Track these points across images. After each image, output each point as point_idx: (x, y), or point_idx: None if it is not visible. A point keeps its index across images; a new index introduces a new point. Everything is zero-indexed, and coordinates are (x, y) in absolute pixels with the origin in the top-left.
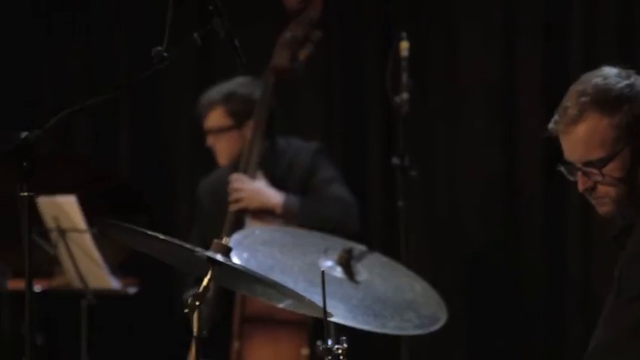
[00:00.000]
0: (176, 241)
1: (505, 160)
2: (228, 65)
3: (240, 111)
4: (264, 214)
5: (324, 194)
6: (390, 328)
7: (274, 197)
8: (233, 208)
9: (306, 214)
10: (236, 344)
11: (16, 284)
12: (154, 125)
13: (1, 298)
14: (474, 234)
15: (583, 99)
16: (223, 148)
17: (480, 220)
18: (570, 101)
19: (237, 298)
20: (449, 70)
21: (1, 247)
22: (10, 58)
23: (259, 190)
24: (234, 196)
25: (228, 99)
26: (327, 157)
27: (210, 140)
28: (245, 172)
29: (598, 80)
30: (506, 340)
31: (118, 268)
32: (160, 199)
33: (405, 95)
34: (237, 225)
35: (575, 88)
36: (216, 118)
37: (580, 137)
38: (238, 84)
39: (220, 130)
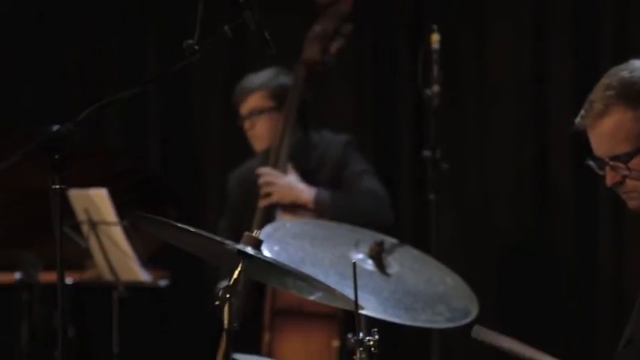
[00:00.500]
0: (206, 233)
1: (536, 152)
2: (259, 57)
3: (280, 94)
4: (295, 207)
5: (355, 187)
6: (421, 321)
7: (306, 192)
8: (263, 203)
9: (338, 208)
10: (267, 337)
11: (47, 277)
12: (184, 118)
13: (33, 291)
14: (505, 227)
15: (608, 93)
16: (262, 131)
17: (511, 212)
18: (596, 95)
19: (268, 291)
20: (480, 62)
21: (32, 240)
22: (40, 51)
23: (290, 185)
24: (264, 190)
25: (269, 83)
26: (359, 149)
27: (248, 124)
28: (275, 164)
29: (624, 74)
30: (538, 333)
31: (148, 260)
32: (190, 191)
33: (435, 88)
34: (268, 218)
35: (602, 82)
36: (256, 100)
37: (606, 131)
38: (275, 72)
39: (261, 112)
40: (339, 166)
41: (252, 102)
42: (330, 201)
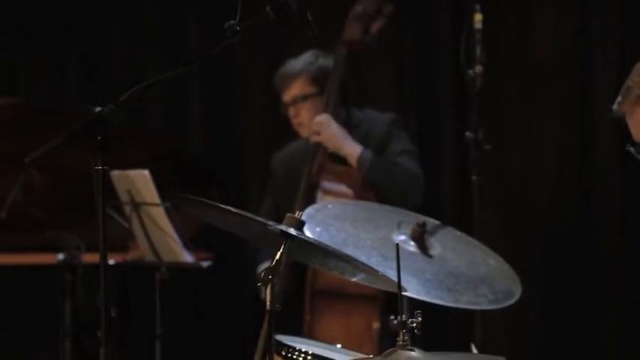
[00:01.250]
0: (248, 214)
1: (580, 133)
2: (300, 38)
3: (322, 78)
4: (335, 185)
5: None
6: (463, 302)
7: (352, 146)
8: (312, 140)
9: (377, 172)
10: (307, 318)
11: (90, 258)
12: (226, 99)
13: (76, 272)
14: (547, 208)
15: None
16: (307, 118)
17: (554, 194)
18: (633, 80)
19: (308, 272)
20: (523, 42)
21: (76, 222)
22: (82, 33)
23: (341, 134)
24: (315, 128)
25: (310, 68)
26: (403, 128)
27: (292, 112)
28: None
29: None
30: (580, 316)
31: (190, 241)
32: (232, 172)
33: (478, 68)
34: (309, 200)
35: (638, 66)
36: (299, 86)
37: None
38: (315, 56)
39: (304, 98)
40: (383, 144)
41: (294, 89)
42: (371, 162)
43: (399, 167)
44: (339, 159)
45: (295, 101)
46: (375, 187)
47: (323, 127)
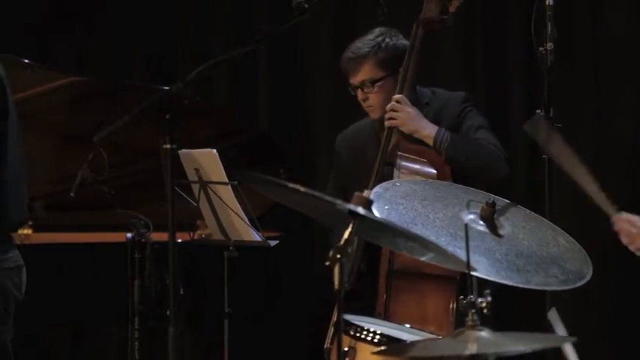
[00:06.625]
0: (316, 193)
1: None
2: (367, 16)
3: (390, 59)
4: (412, 164)
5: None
6: (533, 283)
7: (428, 127)
8: (387, 124)
9: (456, 149)
10: (382, 297)
11: (159, 236)
12: (293, 77)
13: (144, 250)
14: (619, 187)
15: None
16: (377, 100)
17: (626, 172)
18: None
19: (384, 252)
20: (595, 18)
21: (144, 200)
22: (150, 13)
23: (417, 116)
24: (390, 114)
25: (377, 50)
26: (475, 106)
27: (361, 95)
28: None
29: None
30: None
31: (258, 220)
32: (300, 150)
33: (549, 45)
34: (385, 179)
35: None
36: (367, 70)
37: None
38: (381, 34)
39: (373, 82)
40: (457, 122)
41: (362, 74)
42: (450, 140)
43: (478, 142)
44: (415, 137)
45: (363, 85)
46: (457, 164)
47: (398, 112)
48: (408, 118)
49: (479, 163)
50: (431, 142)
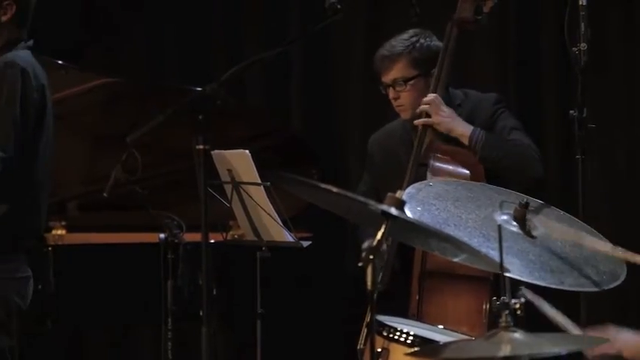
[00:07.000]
0: (349, 193)
1: None
2: (399, 16)
3: (423, 60)
4: (446, 164)
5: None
6: (567, 284)
7: (463, 126)
8: (419, 122)
9: (491, 148)
10: (416, 298)
11: (192, 237)
12: (325, 78)
13: (177, 250)
14: None
15: None
16: (409, 100)
17: None
18: None
19: (417, 252)
20: (629, 18)
21: (177, 201)
22: (183, 14)
23: (452, 114)
24: (424, 109)
25: (411, 49)
26: (507, 107)
27: (392, 94)
28: None
29: None
30: None
31: (290, 221)
32: (332, 151)
33: (583, 46)
34: (418, 180)
35: None
36: (400, 69)
37: None
38: (416, 35)
39: (405, 81)
40: (489, 124)
41: (394, 72)
42: (485, 139)
43: (513, 143)
44: (448, 138)
45: (395, 84)
46: (491, 164)
47: (433, 110)
48: (443, 116)
49: (514, 162)
50: (466, 141)
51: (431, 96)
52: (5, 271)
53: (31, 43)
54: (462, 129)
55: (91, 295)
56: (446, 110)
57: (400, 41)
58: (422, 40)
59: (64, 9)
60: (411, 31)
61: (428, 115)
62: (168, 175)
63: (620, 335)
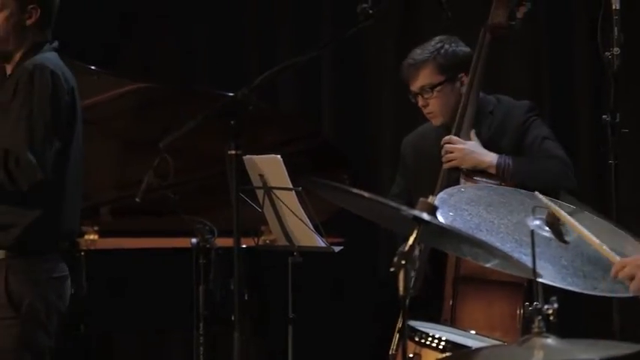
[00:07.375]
0: (381, 198)
1: None
2: (432, 20)
3: (450, 65)
4: (478, 174)
5: (537, 153)
6: (600, 290)
7: (488, 157)
8: (446, 166)
9: (521, 173)
10: (449, 303)
11: (224, 242)
12: (357, 83)
13: (209, 255)
14: None
15: None
16: (437, 106)
17: None
18: None
19: (450, 258)
20: None
21: (209, 206)
22: (215, 19)
23: (472, 150)
24: (446, 157)
25: (435, 55)
26: (540, 115)
27: (421, 101)
28: (459, 131)
29: None
30: None
31: (322, 225)
32: (363, 156)
33: (616, 50)
34: (451, 185)
35: None
36: (426, 75)
37: None
38: (440, 41)
39: (432, 88)
40: (521, 132)
41: (421, 79)
42: (513, 166)
43: (543, 159)
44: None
45: (423, 90)
46: (523, 185)
47: (454, 152)
48: (464, 154)
49: (545, 182)
50: (494, 171)
51: (445, 139)
52: (44, 271)
53: (56, 44)
54: (488, 160)
55: (122, 300)
56: (465, 147)
57: (424, 48)
58: (446, 46)
59: (97, 15)
60: (437, 38)
61: (450, 158)
62: (201, 181)
63: None
